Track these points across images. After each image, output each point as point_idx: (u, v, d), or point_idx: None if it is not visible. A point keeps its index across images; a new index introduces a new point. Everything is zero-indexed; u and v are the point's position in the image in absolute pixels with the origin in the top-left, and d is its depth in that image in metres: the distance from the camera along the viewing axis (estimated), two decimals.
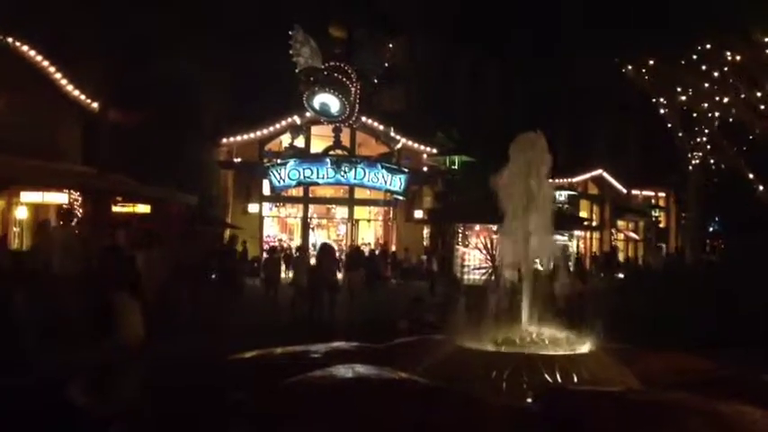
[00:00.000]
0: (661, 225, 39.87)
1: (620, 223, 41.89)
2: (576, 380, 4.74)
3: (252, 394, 4.95)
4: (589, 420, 4.18)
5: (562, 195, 31.93)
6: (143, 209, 21.62)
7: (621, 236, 42.13)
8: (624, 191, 40.01)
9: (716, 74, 15.04)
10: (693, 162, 18.78)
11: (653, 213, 37.89)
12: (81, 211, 19.11)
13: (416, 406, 4.22)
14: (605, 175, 38.40)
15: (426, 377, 4.99)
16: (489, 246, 12.27)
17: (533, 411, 4.46)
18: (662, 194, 42.34)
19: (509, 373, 4.77)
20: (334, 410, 4.12)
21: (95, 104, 20.61)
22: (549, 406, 4.43)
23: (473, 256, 20.44)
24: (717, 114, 16.09)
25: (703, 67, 15.30)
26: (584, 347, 5.20)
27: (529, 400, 4.62)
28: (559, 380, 4.73)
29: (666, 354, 5.89)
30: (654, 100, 17.23)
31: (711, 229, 32.46)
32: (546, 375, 4.74)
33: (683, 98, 16.43)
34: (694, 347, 6.71)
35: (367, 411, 4.13)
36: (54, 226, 17.06)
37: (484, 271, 11.97)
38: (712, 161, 17.34)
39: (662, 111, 17.35)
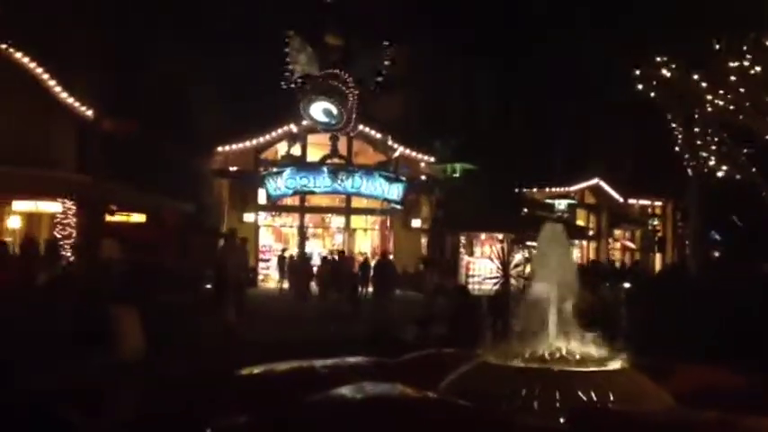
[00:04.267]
0: (659, 234, 39.68)
1: (617, 232, 41.70)
2: (611, 398, 4.44)
3: (261, 416, 4.66)
4: None
5: (561, 204, 31.74)
6: (138, 218, 21.33)
7: (618, 245, 41.94)
8: (621, 200, 39.82)
9: (730, 78, 14.82)
10: (696, 169, 18.52)
11: (652, 223, 37.69)
12: (75, 220, 18.81)
13: (445, 427, 3.93)
14: (602, 184, 38.20)
15: (449, 395, 4.70)
16: (502, 255, 11.96)
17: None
18: (658, 203, 42.15)
19: (540, 390, 4.47)
20: None
21: (90, 112, 20.29)
22: (585, 427, 4.15)
23: (479, 265, 20.19)
24: (724, 120, 15.88)
25: (715, 73, 15.11)
26: (616, 363, 4.90)
27: (562, 420, 4.33)
28: (594, 398, 4.43)
29: (698, 368, 5.61)
30: (663, 107, 17.00)
31: (716, 238, 32.34)
32: (579, 394, 4.44)
33: (691, 104, 16.22)
34: (714, 360, 6.42)
35: None
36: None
37: (496, 281, 11.67)
38: (717, 168, 17.11)
39: (668, 116, 17.11)
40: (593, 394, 4.44)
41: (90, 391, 5.57)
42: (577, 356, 4.86)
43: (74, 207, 18.73)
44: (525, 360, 4.86)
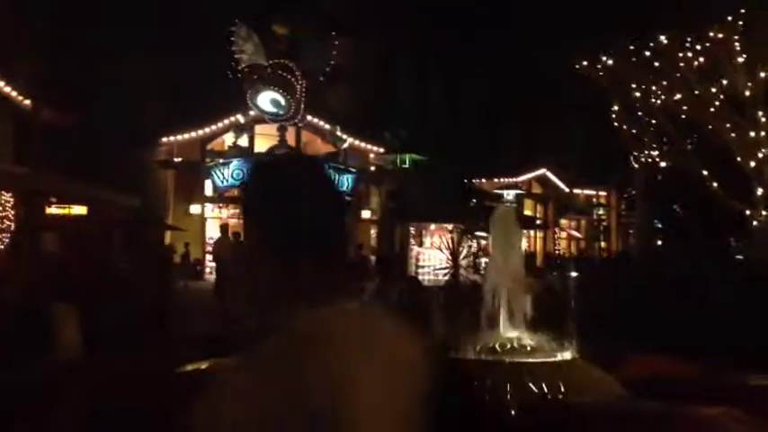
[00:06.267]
0: (604, 224, 40.44)
1: (563, 222, 42.33)
2: (562, 389, 4.42)
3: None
4: None
5: (510, 194, 32.02)
6: (79, 210, 20.75)
7: (564, 234, 42.56)
8: (567, 190, 40.41)
9: (669, 70, 15.07)
10: (641, 160, 18.84)
11: (598, 212, 38.36)
12: (12, 213, 18.23)
13: None
14: (549, 174, 38.70)
15: None
16: (451, 245, 11.93)
17: (519, 424, 4.14)
18: (603, 193, 42.89)
19: (492, 383, 4.43)
20: None
21: (28, 103, 19.61)
22: (536, 418, 4.12)
23: (429, 255, 20.24)
24: (669, 111, 16.15)
25: (656, 64, 15.34)
26: (567, 354, 4.90)
27: (512, 412, 4.30)
28: (545, 389, 4.40)
29: (648, 358, 5.64)
30: (608, 97, 17.20)
31: (659, 226, 33.09)
32: (531, 385, 4.41)
33: (637, 95, 16.44)
34: (667, 350, 6.48)
35: None
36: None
37: (446, 271, 11.64)
38: (661, 159, 17.43)
39: (614, 108, 17.33)
40: (543, 386, 4.42)
41: (37, 392, 5.33)
42: (528, 348, 4.83)
43: (12, 200, 18.12)
44: (476, 352, 4.82)
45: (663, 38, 15.02)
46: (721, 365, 5.70)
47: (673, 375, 5.36)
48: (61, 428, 4.62)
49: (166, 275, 15.92)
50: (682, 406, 4.17)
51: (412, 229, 24.89)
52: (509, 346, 4.83)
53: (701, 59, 14.66)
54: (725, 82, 14.80)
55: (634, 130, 17.35)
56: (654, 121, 16.72)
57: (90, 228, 19.46)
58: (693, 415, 4.07)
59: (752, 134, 16.44)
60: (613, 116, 17.75)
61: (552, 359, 4.78)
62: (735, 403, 4.23)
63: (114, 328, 8.48)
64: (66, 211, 19.96)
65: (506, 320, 5.08)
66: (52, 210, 19.72)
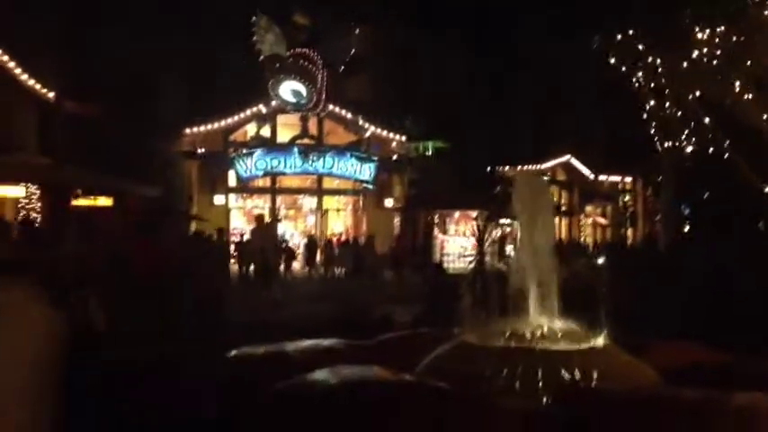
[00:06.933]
0: (631, 210, 40.03)
1: (589, 209, 41.89)
2: (595, 377, 4.31)
3: (229, 406, 4.48)
4: (611, 421, 3.79)
5: None
6: (104, 202, 20.87)
7: (590, 221, 42.16)
8: (592, 176, 39.94)
9: (696, 52, 14.77)
10: (667, 144, 18.51)
11: (625, 199, 37.95)
12: (39, 204, 18.40)
13: (426, 411, 3.77)
14: (573, 160, 38.30)
15: (427, 377, 4.54)
16: (477, 232, 11.80)
17: (552, 413, 4.04)
18: (628, 179, 42.37)
19: (521, 370, 4.32)
20: (336, 421, 3.64)
21: (52, 95, 19.73)
22: (569, 407, 4.01)
23: (453, 242, 20.14)
24: (697, 94, 15.82)
25: (683, 46, 15.06)
26: (599, 341, 4.77)
27: (545, 400, 4.19)
28: (577, 377, 4.29)
29: (682, 345, 5.51)
30: (632, 78, 16.88)
31: (687, 212, 32.60)
32: (563, 373, 4.30)
33: (663, 79, 16.16)
34: (697, 336, 6.34)
35: (374, 418, 3.66)
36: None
37: (471, 258, 11.54)
38: (688, 143, 17.09)
39: (637, 88, 17.01)
40: (576, 373, 4.31)
41: None
42: (560, 334, 4.72)
43: (38, 191, 18.28)
44: (506, 339, 4.71)
45: (690, 21, 14.71)
46: (753, 352, 5.57)
47: (706, 362, 5.24)
48: None
49: (224, 263, 16.64)
50: (720, 393, 4.05)
51: (436, 216, 24.76)
52: (539, 333, 4.72)
53: (729, 39, 14.32)
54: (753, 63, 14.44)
55: (660, 113, 17.04)
56: (680, 104, 16.40)
57: (122, 219, 19.62)
58: (733, 402, 3.95)
59: None
60: (639, 100, 17.45)
61: (584, 346, 4.66)
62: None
63: (183, 314, 8.84)
64: (91, 203, 20.06)
65: (536, 306, 4.97)
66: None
